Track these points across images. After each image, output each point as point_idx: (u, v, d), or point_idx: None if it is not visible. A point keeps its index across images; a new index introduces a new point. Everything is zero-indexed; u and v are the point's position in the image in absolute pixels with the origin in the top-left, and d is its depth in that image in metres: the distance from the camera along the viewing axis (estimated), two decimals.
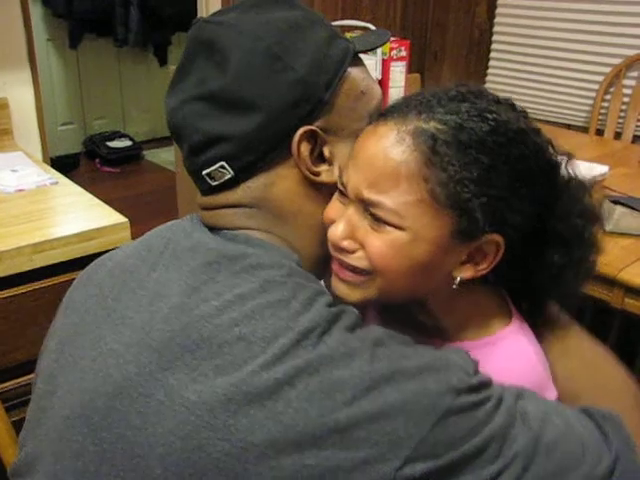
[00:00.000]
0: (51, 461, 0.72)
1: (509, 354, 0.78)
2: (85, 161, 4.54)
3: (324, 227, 0.76)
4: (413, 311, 0.82)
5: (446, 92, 0.73)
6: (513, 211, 0.71)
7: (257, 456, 0.59)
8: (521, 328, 0.80)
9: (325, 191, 0.77)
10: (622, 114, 2.88)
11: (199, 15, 3.17)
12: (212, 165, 0.74)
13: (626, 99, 2.87)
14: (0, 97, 2.02)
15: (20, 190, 1.69)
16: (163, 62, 4.70)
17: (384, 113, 0.74)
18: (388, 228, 0.70)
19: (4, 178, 1.73)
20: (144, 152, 4.67)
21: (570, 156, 0.79)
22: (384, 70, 2.14)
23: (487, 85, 3.51)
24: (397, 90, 2.18)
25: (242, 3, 0.78)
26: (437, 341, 0.79)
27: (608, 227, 1.57)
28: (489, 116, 0.70)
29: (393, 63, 2.14)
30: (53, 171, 1.86)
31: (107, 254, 0.84)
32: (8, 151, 1.97)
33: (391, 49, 2.12)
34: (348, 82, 0.76)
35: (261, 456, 0.59)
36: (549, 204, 0.75)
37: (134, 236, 1.48)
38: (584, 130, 2.96)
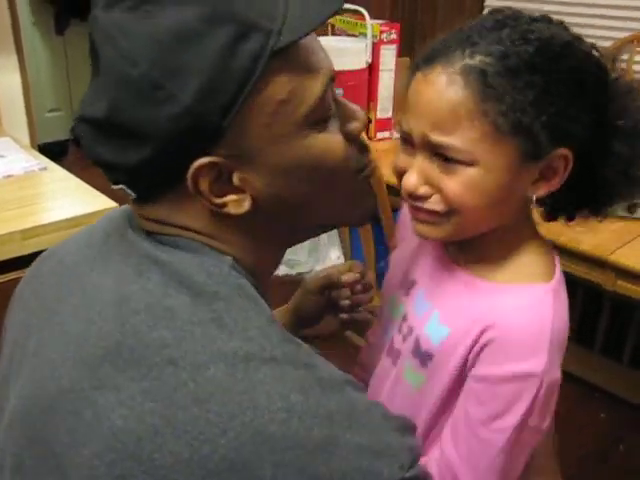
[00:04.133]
0: None
1: (525, 306, 0.76)
2: (74, 149, 4.49)
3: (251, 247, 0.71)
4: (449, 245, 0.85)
5: (483, 23, 0.74)
6: (574, 122, 0.72)
7: None
8: (556, 291, 0.77)
9: (240, 221, 0.68)
10: None
11: None
12: (116, 185, 0.67)
13: None
14: None
15: (8, 176, 1.68)
16: None
17: (428, 58, 0.73)
18: (459, 167, 0.72)
19: None
20: None
21: (614, 56, 0.82)
22: (374, 54, 2.12)
23: None
24: (388, 74, 2.17)
25: None
26: (462, 274, 0.81)
27: None
28: (532, 36, 0.71)
29: (383, 46, 2.12)
30: (42, 157, 1.85)
31: (53, 247, 0.81)
32: None
33: (381, 32, 2.11)
34: (261, 94, 0.63)
35: None
36: (606, 104, 0.76)
37: None
38: None
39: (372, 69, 2.14)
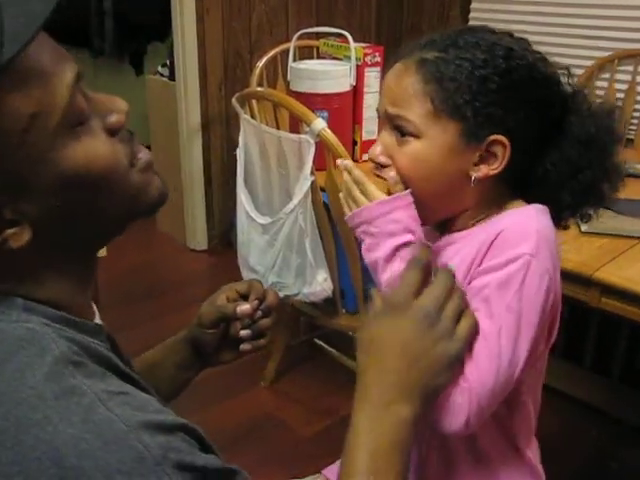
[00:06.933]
0: None
1: (512, 216, 0.88)
2: None
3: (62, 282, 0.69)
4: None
5: (447, 31, 0.88)
6: (509, 113, 0.83)
7: None
8: (539, 210, 0.88)
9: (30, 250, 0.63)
10: None
11: (174, 24, 3.16)
12: None
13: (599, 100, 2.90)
14: None
15: None
16: (139, 72, 4.68)
17: (398, 56, 0.89)
18: (410, 140, 0.86)
19: None
20: None
21: (569, 71, 0.91)
22: (359, 76, 2.14)
23: None
24: (373, 96, 2.18)
25: None
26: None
27: (583, 227, 1.58)
28: (481, 42, 0.85)
29: (367, 69, 2.15)
30: None
31: None
32: None
33: (365, 55, 2.13)
34: (4, 114, 0.57)
35: None
36: (552, 105, 0.87)
37: None
38: None
39: (357, 91, 2.16)
